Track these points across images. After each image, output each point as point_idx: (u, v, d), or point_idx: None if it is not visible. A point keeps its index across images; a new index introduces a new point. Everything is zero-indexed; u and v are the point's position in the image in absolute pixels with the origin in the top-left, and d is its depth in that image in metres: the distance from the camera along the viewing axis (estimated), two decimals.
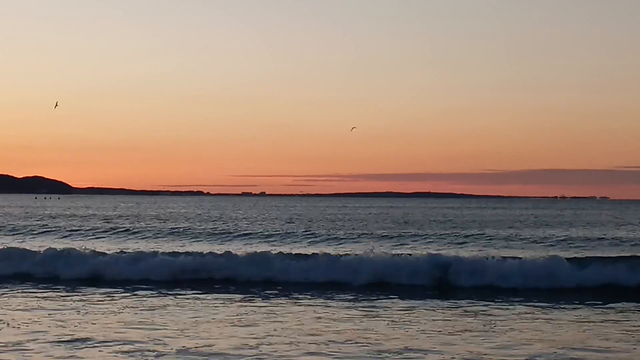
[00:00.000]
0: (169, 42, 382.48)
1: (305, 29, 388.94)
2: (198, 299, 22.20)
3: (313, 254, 29.35)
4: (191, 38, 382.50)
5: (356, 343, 15.48)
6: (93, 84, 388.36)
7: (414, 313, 19.74)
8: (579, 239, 47.26)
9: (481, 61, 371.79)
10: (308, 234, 50.06)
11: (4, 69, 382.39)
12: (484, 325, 17.85)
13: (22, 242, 43.11)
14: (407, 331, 17.01)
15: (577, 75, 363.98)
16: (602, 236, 50.19)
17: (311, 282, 25.85)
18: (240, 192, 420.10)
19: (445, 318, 18.94)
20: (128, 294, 22.89)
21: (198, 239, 46.30)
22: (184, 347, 14.90)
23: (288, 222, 69.71)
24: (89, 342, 15.23)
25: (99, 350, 14.58)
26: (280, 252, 31.05)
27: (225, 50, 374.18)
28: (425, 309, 20.45)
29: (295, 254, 30.33)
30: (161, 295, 22.91)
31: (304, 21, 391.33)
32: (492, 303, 21.71)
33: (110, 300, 21.67)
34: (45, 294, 22.91)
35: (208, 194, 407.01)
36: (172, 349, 14.70)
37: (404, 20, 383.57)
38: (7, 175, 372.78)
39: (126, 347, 14.79)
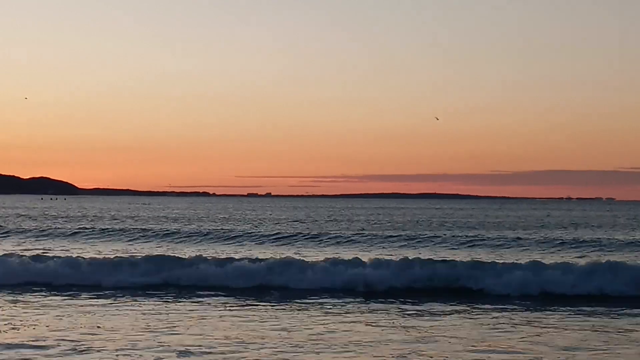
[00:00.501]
0: (174, 42, 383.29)
1: (311, 29, 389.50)
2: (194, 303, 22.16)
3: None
4: (197, 38, 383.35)
5: (359, 345, 15.41)
6: (98, 84, 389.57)
7: (407, 317, 19.64)
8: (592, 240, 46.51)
9: (487, 62, 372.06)
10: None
11: (7, 70, 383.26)
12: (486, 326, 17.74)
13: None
14: (407, 336, 16.91)
15: (583, 76, 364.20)
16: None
17: (306, 288, 24.97)
18: (246, 193, 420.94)
19: (442, 323, 18.84)
20: (128, 299, 22.57)
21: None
22: (185, 348, 14.84)
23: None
24: (88, 344, 15.15)
25: (98, 351, 14.54)
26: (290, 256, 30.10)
27: (231, 51, 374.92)
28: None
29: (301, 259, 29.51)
30: (158, 299, 22.72)
31: (310, 21, 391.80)
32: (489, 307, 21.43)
33: (109, 304, 21.55)
34: (46, 299, 22.85)
35: (214, 194, 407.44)
36: (173, 351, 14.64)
37: (411, 21, 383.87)
38: (13, 176, 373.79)
39: (126, 350, 14.72)
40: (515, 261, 28.81)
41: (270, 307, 20.69)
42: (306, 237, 48.27)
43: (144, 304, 21.20)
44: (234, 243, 44.70)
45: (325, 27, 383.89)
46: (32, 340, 15.45)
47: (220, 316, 19.04)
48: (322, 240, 46.36)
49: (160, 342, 15.45)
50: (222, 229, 58.05)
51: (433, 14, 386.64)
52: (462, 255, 35.42)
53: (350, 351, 14.86)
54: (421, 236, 49.75)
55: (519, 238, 48.01)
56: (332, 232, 52.49)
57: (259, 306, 20.95)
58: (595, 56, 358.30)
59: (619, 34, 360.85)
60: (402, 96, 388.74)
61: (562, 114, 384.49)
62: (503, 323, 18.42)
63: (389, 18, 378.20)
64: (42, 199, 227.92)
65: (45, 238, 47.75)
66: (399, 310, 20.63)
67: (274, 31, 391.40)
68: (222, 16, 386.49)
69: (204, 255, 29.54)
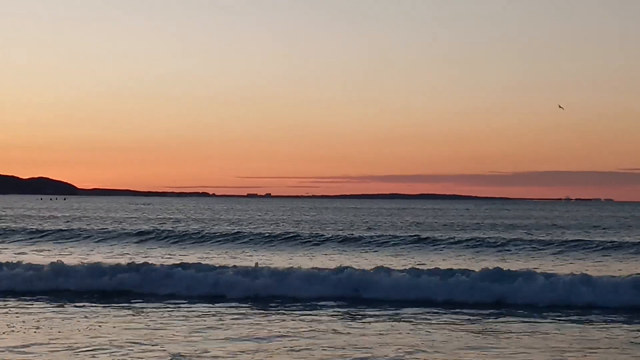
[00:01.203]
0: (174, 42, 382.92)
1: (311, 29, 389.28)
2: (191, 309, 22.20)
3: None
4: (197, 38, 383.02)
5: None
6: (98, 84, 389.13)
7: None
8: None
9: (487, 62, 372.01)
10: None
11: (7, 70, 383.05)
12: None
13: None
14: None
15: (583, 76, 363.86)
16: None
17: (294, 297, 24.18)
18: (245, 194, 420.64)
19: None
20: (120, 304, 22.50)
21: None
22: (179, 353, 14.91)
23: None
24: (84, 347, 15.24)
25: (93, 356, 14.60)
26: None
27: (231, 51, 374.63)
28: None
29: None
30: (153, 303, 22.71)
31: (310, 21, 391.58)
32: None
33: (104, 309, 21.56)
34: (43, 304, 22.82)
35: (213, 195, 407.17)
36: (167, 354, 14.76)
37: (411, 21, 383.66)
38: (12, 176, 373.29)
39: (121, 353, 14.83)
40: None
41: (267, 315, 20.66)
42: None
43: (140, 308, 21.28)
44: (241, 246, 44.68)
45: (325, 27, 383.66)
46: (26, 345, 15.50)
47: (215, 322, 19.05)
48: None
49: (154, 346, 15.52)
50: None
51: (433, 14, 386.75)
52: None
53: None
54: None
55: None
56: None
57: (255, 313, 20.95)
58: (595, 56, 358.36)
59: (619, 34, 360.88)
60: (402, 96, 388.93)
61: (562, 114, 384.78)
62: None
63: (389, 18, 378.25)
64: (41, 199, 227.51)
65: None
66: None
67: (274, 31, 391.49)
68: (222, 16, 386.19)
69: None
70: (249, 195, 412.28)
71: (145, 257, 35.66)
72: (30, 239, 47.49)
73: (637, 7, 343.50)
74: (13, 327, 17.67)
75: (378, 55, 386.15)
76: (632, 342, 16.95)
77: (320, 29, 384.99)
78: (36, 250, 39.53)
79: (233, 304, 22.17)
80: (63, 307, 21.13)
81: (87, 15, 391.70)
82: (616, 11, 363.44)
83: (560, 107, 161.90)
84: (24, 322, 18.41)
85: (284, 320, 19.26)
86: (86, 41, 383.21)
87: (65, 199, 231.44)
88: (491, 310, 21.28)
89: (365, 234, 52.66)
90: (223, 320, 19.12)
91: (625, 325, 19.15)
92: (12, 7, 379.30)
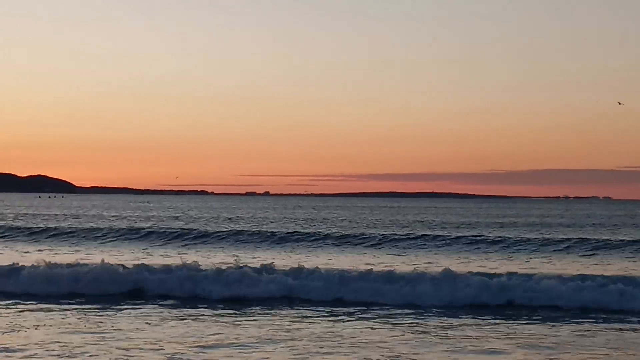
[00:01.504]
0: (174, 42, 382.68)
1: (311, 29, 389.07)
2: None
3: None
4: (197, 38, 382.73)
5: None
6: (98, 84, 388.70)
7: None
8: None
9: (487, 62, 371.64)
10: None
11: (7, 70, 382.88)
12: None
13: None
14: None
15: (582, 77, 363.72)
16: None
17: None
18: (244, 192, 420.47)
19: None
20: (120, 305, 22.56)
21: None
22: (177, 354, 15.04)
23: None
24: (81, 349, 15.31)
25: (91, 356, 14.67)
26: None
27: (231, 51, 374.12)
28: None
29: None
30: (150, 304, 22.72)
31: (310, 21, 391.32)
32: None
33: (105, 312, 21.55)
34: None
35: (212, 193, 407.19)
36: (165, 355, 14.87)
37: (411, 21, 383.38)
38: (10, 174, 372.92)
39: (119, 353, 14.91)
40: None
41: (265, 315, 20.72)
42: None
43: (138, 309, 21.30)
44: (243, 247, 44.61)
45: (325, 27, 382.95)
46: (25, 345, 15.58)
47: (213, 322, 19.12)
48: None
49: (153, 346, 15.60)
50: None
51: (433, 14, 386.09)
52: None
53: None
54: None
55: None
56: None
57: (254, 313, 21.06)
58: (595, 56, 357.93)
59: (619, 34, 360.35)
60: (402, 96, 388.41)
61: (562, 114, 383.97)
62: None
63: (389, 18, 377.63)
64: (39, 197, 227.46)
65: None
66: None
67: (274, 31, 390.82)
68: (222, 16, 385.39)
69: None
70: (248, 194, 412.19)
71: (145, 256, 35.74)
72: (31, 236, 47.54)
73: (637, 7, 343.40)
74: (13, 327, 17.72)
75: (378, 55, 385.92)
76: (630, 342, 17.05)
77: (320, 29, 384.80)
78: (38, 250, 39.50)
79: (231, 304, 22.21)
80: (62, 307, 21.13)
81: (87, 15, 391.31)
82: (616, 11, 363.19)
83: (619, 103, 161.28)
84: (24, 321, 18.48)
85: (283, 320, 19.31)
86: (86, 41, 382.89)
87: (63, 197, 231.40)
88: (488, 311, 21.40)
89: (366, 231, 52.76)
90: (221, 321, 19.16)
91: (620, 325, 19.24)
92: (12, 7, 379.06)
